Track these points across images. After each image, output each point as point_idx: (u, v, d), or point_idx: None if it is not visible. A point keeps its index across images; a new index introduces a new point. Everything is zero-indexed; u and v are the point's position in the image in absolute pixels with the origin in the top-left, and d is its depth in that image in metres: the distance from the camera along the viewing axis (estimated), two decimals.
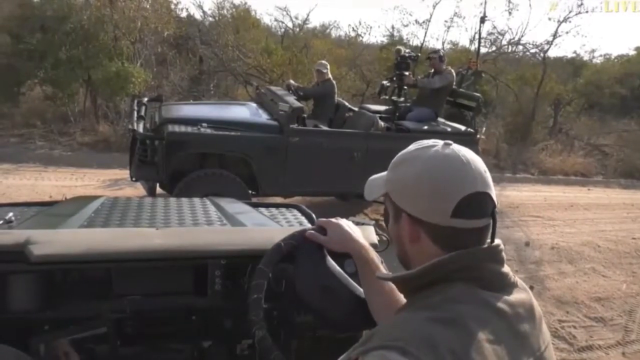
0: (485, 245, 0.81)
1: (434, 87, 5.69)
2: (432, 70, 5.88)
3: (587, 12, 11.45)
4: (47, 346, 1.14)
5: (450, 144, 0.84)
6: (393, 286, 1.01)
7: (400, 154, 0.88)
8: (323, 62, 6.27)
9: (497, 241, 0.82)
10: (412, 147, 0.87)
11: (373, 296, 1.04)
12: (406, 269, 0.88)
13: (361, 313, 1.04)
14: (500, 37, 12.80)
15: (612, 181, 9.79)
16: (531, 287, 4.44)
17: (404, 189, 0.83)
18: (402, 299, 0.99)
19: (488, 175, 0.82)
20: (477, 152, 0.86)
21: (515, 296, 0.80)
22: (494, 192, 0.82)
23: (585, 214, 7.08)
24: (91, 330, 1.18)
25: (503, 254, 0.83)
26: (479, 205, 0.79)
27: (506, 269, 0.82)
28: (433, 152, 0.82)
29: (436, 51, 6.17)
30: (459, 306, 0.73)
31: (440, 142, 0.84)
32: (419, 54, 6.03)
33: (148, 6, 9.61)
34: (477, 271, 0.78)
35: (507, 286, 0.80)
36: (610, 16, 27.54)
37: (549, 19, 12.06)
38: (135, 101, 5.28)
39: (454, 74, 5.96)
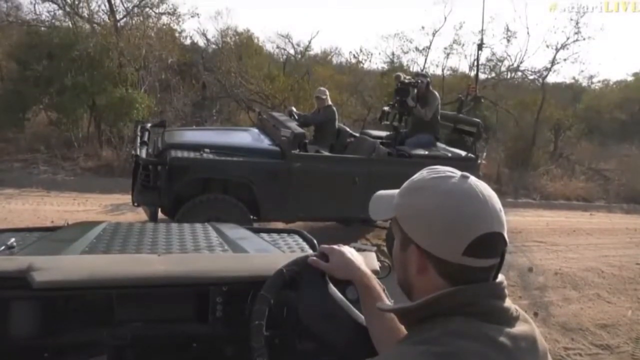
0: (489, 282, 0.80)
1: (427, 119, 5.72)
2: (415, 92, 5.74)
3: (584, 39, 11.66)
4: None
5: (468, 177, 0.81)
6: (394, 315, 1.01)
7: (414, 179, 0.85)
8: (322, 88, 6.34)
9: (500, 277, 0.82)
10: (427, 174, 0.84)
11: (374, 324, 1.03)
12: (407, 296, 0.87)
13: (363, 341, 1.03)
14: (499, 63, 13.00)
15: (614, 206, 9.77)
16: (535, 314, 4.39)
17: (416, 220, 0.81)
18: (403, 327, 0.98)
19: (503, 214, 0.80)
20: (478, 177, 0.85)
21: (518, 329, 0.78)
22: (506, 231, 0.80)
23: (588, 239, 7.04)
24: (91, 357, 1.17)
25: (505, 290, 0.82)
26: (491, 245, 0.78)
27: (508, 303, 0.81)
28: (451, 185, 0.79)
29: (425, 75, 6.21)
30: (458, 341, 0.72)
31: (457, 173, 0.82)
32: (428, 79, 6.02)
33: (153, 34, 9.81)
34: (478, 306, 0.77)
35: (510, 320, 0.79)
36: (608, 42, 27.98)
37: (547, 46, 12.25)
38: (139, 127, 5.33)
39: (438, 96, 6.00)
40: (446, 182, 0.80)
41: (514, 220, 7.45)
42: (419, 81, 5.76)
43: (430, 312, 0.79)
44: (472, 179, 0.81)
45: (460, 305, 0.77)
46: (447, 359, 0.70)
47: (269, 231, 2.14)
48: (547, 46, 12.18)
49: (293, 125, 5.19)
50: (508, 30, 12.26)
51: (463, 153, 5.71)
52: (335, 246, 1.14)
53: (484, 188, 0.81)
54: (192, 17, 11.64)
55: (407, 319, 0.85)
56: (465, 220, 0.77)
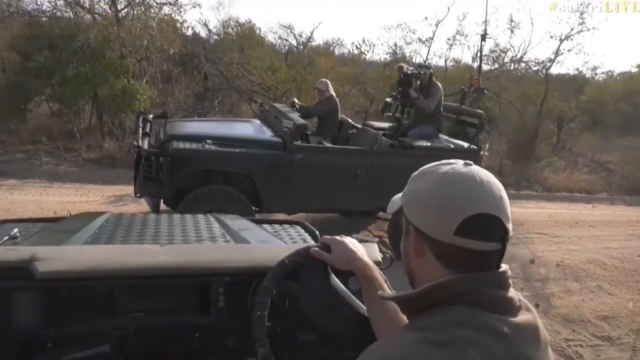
0: (490, 271, 0.79)
1: (430, 110, 5.69)
2: (418, 83, 5.68)
3: (588, 30, 11.57)
4: None
5: (470, 164, 0.83)
6: (396, 305, 1.01)
7: (420, 168, 0.88)
8: (323, 80, 6.30)
9: (503, 267, 0.81)
10: (434, 163, 0.86)
11: (376, 315, 1.03)
12: (411, 285, 0.87)
13: (365, 332, 1.03)
14: (502, 54, 12.93)
15: (616, 198, 9.75)
16: (537, 305, 4.40)
17: (414, 202, 0.83)
18: (405, 318, 0.99)
19: (504, 201, 0.80)
20: None
21: (520, 318, 0.78)
22: (508, 218, 0.79)
23: (591, 231, 7.03)
24: (94, 348, 1.18)
25: (509, 279, 0.81)
26: (485, 228, 0.77)
27: (512, 293, 0.80)
28: (449, 169, 0.82)
29: (428, 67, 6.15)
30: (457, 329, 0.72)
31: (461, 161, 0.84)
32: (431, 70, 5.98)
33: (154, 25, 9.75)
34: (479, 295, 0.76)
35: (513, 309, 0.79)
36: (611, 33, 27.72)
37: (551, 37, 12.20)
38: (141, 118, 5.32)
39: (440, 87, 5.97)
40: (445, 166, 0.83)
41: (516, 212, 7.44)
42: (422, 72, 5.72)
43: (431, 301, 0.78)
44: (474, 166, 0.83)
45: (461, 294, 0.76)
46: (442, 346, 0.70)
47: (271, 222, 2.14)
48: (551, 37, 12.15)
49: (295, 116, 5.18)
50: (512, 20, 12.21)
51: (465, 144, 5.68)
52: (337, 237, 1.14)
53: (484, 173, 0.81)
54: (193, 7, 11.58)
55: (409, 307, 0.84)
56: (457, 199, 0.78)
